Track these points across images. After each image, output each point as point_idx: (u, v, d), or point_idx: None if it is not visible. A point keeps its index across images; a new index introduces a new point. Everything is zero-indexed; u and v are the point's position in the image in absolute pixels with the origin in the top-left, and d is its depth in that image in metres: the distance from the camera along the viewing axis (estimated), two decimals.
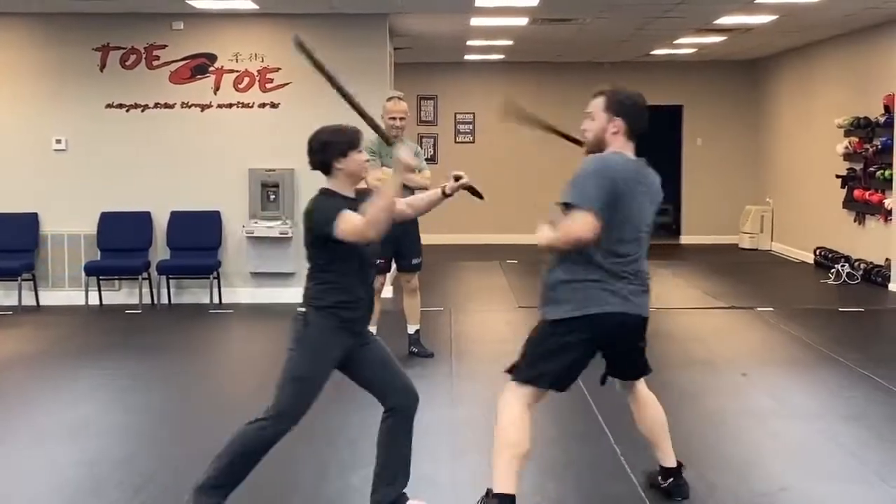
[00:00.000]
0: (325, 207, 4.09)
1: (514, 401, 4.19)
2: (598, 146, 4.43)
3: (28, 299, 10.03)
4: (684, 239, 16.01)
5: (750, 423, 5.79)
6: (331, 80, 4.43)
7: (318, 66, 4.37)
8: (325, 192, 4.20)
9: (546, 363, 4.20)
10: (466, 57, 15.10)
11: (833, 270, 11.58)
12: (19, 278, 9.86)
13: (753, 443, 5.44)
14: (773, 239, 14.88)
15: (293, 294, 9.91)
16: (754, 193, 15.45)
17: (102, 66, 10.21)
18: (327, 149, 4.15)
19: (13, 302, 9.90)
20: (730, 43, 13.15)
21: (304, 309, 4.21)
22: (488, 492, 4.17)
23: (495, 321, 9.36)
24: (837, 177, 12.23)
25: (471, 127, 15.83)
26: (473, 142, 15.72)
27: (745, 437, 5.55)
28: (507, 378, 4.27)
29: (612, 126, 4.36)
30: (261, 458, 4.13)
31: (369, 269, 4.33)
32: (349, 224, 3.98)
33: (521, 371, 4.24)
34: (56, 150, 10.21)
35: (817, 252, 12.71)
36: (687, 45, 13.40)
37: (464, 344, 8.11)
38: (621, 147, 4.38)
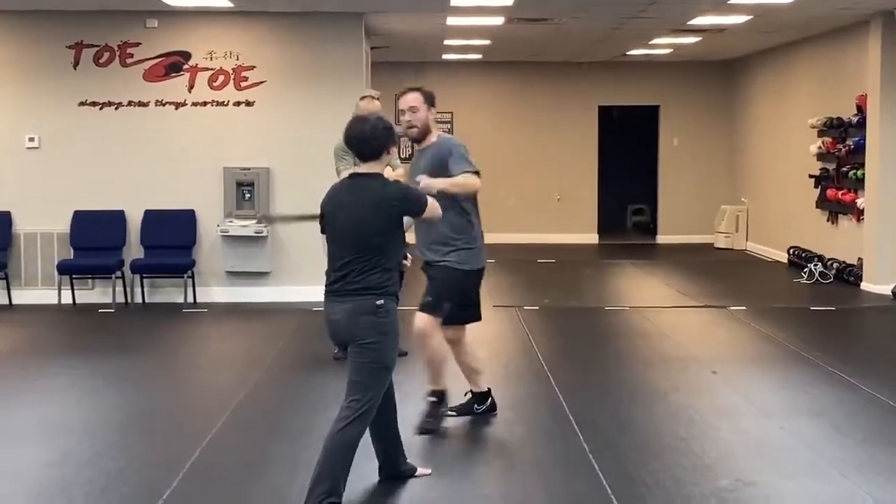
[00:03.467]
0: (410, 188, 4.60)
1: (434, 328, 5.43)
2: (426, 132, 5.48)
3: (1, 298, 9.98)
4: (660, 238, 16.07)
5: (718, 420, 5.82)
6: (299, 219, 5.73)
7: (292, 219, 5.59)
8: (382, 176, 4.47)
9: (451, 301, 5.44)
10: (444, 56, 15.11)
11: (806, 269, 11.66)
12: None
13: (721, 439, 5.48)
14: (747, 238, 14.95)
15: (268, 293, 10.05)
16: (729, 193, 15.52)
17: (76, 64, 10.16)
18: (391, 133, 4.47)
19: (3, 301, 9.87)
20: (705, 43, 13.21)
21: (381, 300, 4.28)
22: (433, 392, 5.51)
23: None
24: (811, 176, 12.31)
25: (449, 127, 15.83)
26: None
27: (713, 433, 5.59)
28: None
29: (432, 114, 5.49)
30: None
31: None
32: (433, 203, 4.51)
33: (435, 307, 5.40)
34: (29, 147, 10.16)
35: (791, 251, 12.78)
36: (663, 45, 13.45)
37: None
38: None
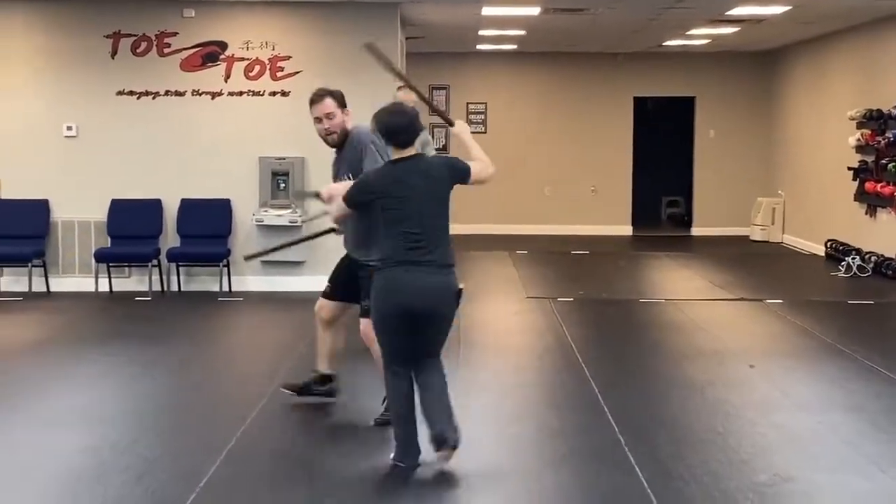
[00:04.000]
0: (454, 158, 4.95)
1: None
2: (344, 136, 5.43)
3: (38, 285, 10.07)
4: (695, 230, 15.96)
5: (755, 415, 5.78)
6: (400, 76, 5.77)
7: (389, 67, 5.43)
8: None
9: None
10: (479, 47, 15.08)
11: (844, 263, 11.54)
12: (30, 264, 9.90)
13: (757, 433, 5.44)
14: (784, 231, 14.82)
15: (302, 282, 10.07)
16: (766, 185, 15.39)
17: (114, 53, 10.23)
18: (419, 121, 4.90)
19: (24, 288, 9.95)
20: (743, 34, 13.09)
21: (454, 267, 4.79)
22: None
23: (503, 311, 9.37)
24: (849, 169, 12.18)
25: (483, 117, 15.80)
26: (485, 132, 15.67)
27: (750, 427, 5.55)
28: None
29: (347, 115, 5.44)
30: None
31: None
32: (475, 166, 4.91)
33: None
34: (67, 136, 10.24)
35: (828, 244, 12.66)
36: (700, 35, 13.34)
37: (472, 334, 8.10)
38: None
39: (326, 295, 5.72)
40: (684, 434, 5.41)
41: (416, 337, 4.73)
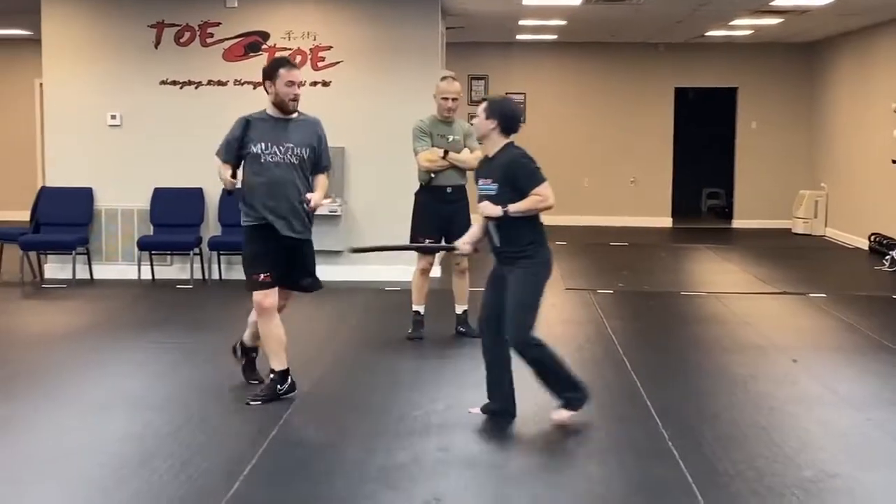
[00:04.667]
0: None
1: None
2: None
3: (82, 273, 10.18)
4: (736, 223, 15.85)
5: (799, 410, 5.73)
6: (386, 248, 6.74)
7: (379, 248, 6.60)
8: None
9: None
10: (518, 37, 15.02)
11: (888, 257, 11.40)
12: (74, 252, 10.01)
13: (802, 429, 5.39)
14: (826, 224, 14.67)
15: (341, 272, 10.09)
16: (808, 177, 15.24)
17: (157, 43, 10.30)
18: None
19: (67, 275, 10.06)
20: (787, 25, 12.95)
21: None
22: (271, 371, 5.68)
23: (542, 303, 9.31)
24: (893, 162, 12.02)
25: (521, 107, 15.77)
26: (524, 122, 15.63)
27: (795, 423, 5.50)
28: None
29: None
30: None
31: None
32: None
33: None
34: (111, 125, 10.33)
35: (872, 238, 12.51)
36: (743, 26, 13.22)
37: None
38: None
39: (269, 285, 5.71)
40: (728, 428, 5.37)
41: None
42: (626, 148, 15.79)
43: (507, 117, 5.37)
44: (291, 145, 5.68)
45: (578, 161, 15.62)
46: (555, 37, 15.00)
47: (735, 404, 5.88)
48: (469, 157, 7.23)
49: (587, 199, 15.59)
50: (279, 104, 5.69)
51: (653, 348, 7.48)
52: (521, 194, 5.25)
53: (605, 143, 15.84)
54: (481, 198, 5.34)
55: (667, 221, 15.83)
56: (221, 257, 10.29)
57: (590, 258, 12.09)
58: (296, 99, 5.69)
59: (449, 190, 7.29)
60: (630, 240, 13.78)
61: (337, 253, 10.16)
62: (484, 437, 5.23)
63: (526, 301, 5.25)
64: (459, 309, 7.60)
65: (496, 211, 5.26)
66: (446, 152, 7.21)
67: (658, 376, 6.49)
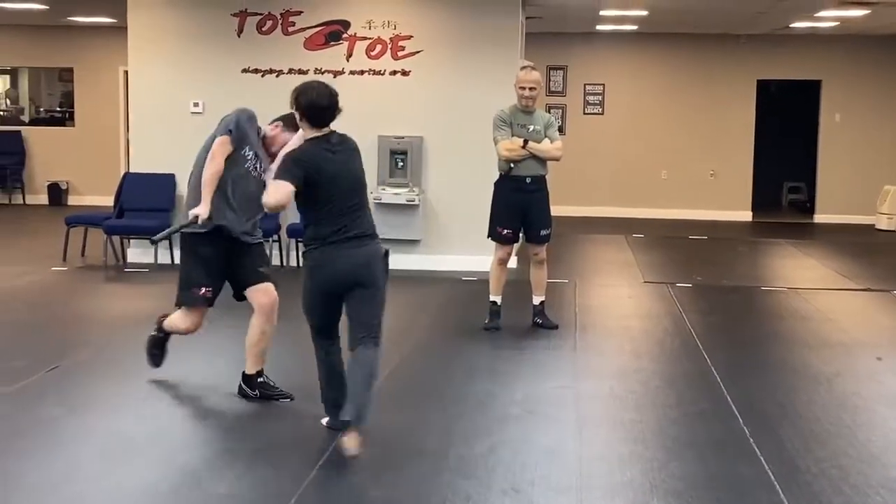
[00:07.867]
0: None
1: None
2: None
3: (164, 257, 10.34)
4: (818, 218, 15.55)
5: (884, 409, 5.62)
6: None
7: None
8: None
9: None
10: (598, 27, 14.90)
11: None
12: None
13: (888, 428, 5.28)
14: None
15: (418, 261, 10.13)
16: (894, 173, 14.88)
17: (240, 32, 10.42)
18: None
19: (150, 259, 10.24)
20: (874, 16, 12.65)
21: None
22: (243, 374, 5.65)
23: (620, 296, 9.27)
24: None
25: (600, 98, 15.64)
26: (602, 113, 15.53)
27: (880, 422, 5.39)
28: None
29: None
30: None
31: None
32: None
33: None
34: (193, 112, 10.47)
35: None
36: (829, 18, 12.95)
37: (588, 317, 8.05)
38: None
39: (210, 301, 5.85)
40: (811, 426, 5.28)
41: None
42: (706, 140, 15.57)
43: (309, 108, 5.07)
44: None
45: (656, 153, 15.44)
46: (635, 27, 14.84)
47: (818, 402, 5.77)
48: (549, 147, 7.21)
49: (665, 191, 15.42)
50: None
51: (732, 343, 7.38)
52: None
53: (684, 136, 15.65)
54: None
55: (747, 215, 15.59)
56: (300, 244, 10.35)
57: (668, 251, 11.96)
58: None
59: (528, 180, 7.26)
60: (709, 233, 13.60)
61: (416, 242, 10.19)
62: (557, 428, 5.20)
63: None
64: (536, 300, 7.57)
65: None
66: (526, 142, 7.18)
67: (738, 372, 6.40)
